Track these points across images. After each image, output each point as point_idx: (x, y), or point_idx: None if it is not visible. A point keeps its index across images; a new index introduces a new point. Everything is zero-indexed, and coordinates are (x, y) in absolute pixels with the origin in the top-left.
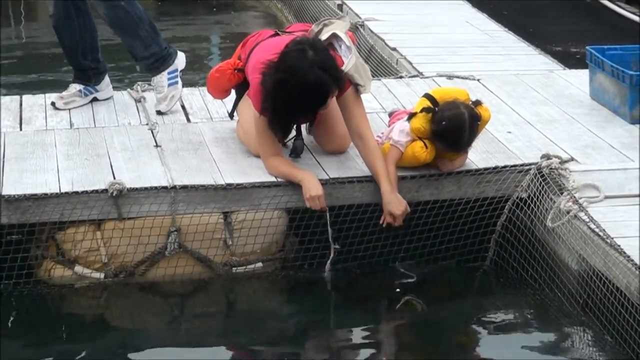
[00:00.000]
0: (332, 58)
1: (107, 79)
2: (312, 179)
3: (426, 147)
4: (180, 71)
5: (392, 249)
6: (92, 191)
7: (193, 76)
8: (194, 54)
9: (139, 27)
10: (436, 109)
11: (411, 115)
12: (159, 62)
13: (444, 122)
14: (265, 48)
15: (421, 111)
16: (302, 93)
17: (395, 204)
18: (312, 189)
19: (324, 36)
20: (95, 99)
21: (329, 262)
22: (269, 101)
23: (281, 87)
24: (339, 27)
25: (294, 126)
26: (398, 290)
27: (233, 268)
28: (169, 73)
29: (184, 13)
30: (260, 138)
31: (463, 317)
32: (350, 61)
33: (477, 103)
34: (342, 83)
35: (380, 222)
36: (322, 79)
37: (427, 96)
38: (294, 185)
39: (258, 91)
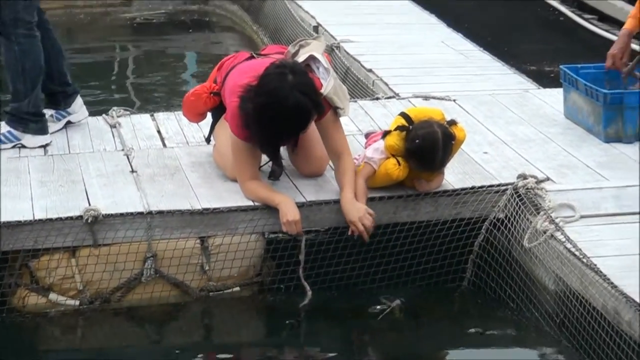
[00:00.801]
0: (312, 82)
1: (79, 100)
2: (289, 202)
3: (399, 165)
4: (19, 146)
5: (370, 271)
6: (67, 218)
7: (169, 100)
8: (169, 77)
9: (19, 78)
10: (410, 127)
11: (386, 133)
12: (14, 118)
13: (417, 141)
14: (242, 71)
15: (396, 129)
16: (283, 117)
17: (352, 211)
18: (289, 214)
19: (301, 58)
20: (69, 123)
21: (305, 303)
22: (250, 126)
23: (262, 112)
24: (315, 48)
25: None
26: (378, 307)
27: (210, 293)
28: (8, 132)
29: (158, 34)
30: (237, 161)
31: (441, 338)
32: (329, 84)
33: (452, 122)
34: (322, 108)
35: (349, 233)
36: (303, 103)
37: (403, 115)
38: (270, 209)
39: (235, 114)
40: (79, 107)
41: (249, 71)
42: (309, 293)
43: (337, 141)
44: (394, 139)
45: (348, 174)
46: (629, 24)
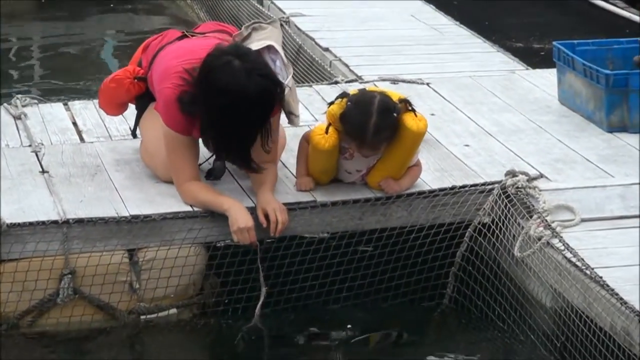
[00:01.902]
0: (264, 62)
1: None
2: (239, 207)
3: (326, 132)
4: None
5: (332, 288)
6: None
7: (86, 86)
8: (85, 61)
9: None
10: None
11: (330, 103)
12: None
13: (349, 103)
14: (175, 53)
15: (337, 97)
16: (246, 111)
17: (270, 202)
18: (240, 220)
19: (254, 45)
20: None
21: (258, 305)
22: (215, 130)
23: (222, 114)
24: (273, 37)
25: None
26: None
27: (141, 316)
28: None
29: (72, 12)
30: (173, 159)
31: None
32: (289, 82)
33: (405, 103)
34: (283, 88)
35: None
36: (263, 86)
37: (359, 89)
38: (215, 216)
39: (170, 103)
40: None
41: (184, 53)
42: (264, 290)
43: (273, 152)
44: (335, 107)
45: (269, 179)
46: None
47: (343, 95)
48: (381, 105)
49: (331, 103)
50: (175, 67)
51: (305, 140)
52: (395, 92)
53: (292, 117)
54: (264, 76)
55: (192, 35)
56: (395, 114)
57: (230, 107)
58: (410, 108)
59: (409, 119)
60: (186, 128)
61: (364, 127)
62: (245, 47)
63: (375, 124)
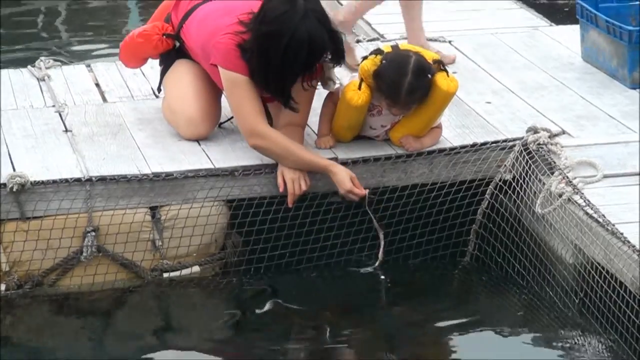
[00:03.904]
0: (326, 12)
1: None
2: (342, 168)
3: (359, 88)
4: None
5: (354, 247)
6: None
7: (108, 47)
8: (106, 18)
9: None
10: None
11: (364, 58)
12: None
13: (384, 61)
14: (223, 11)
15: (371, 53)
16: (296, 46)
17: (289, 171)
18: (347, 181)
19: None
20: None
21: (381, 251)
22: (254, 62)
23: (270, 42)
24: (327, 8)
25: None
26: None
27: (164, 273)
28: None
29: None
30: (244, 104)
31: (440, 323)
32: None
33: (440, 65)
34: (338, 44)
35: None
36: (318, 31)
37: (394, 45)
38: (233, 173)
39: (229, 50)
40: None
41: (230, 11)
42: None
43: (304, 114)
44: (368, 63)
45: (296, 141)
46: None
47: (377, 52)
48: (416, 65)
49: (364, 58)
50: (226, 23)
51: (331, 100)
52: (429, 52)
53: (329, 83)
54: (320, 22)
55: None
56: (429, 75)
57: (277, 37)
58: (442, 68)
59: (440, 79)
60: (249, 73)
61: (398, 86)
62: None
63: (409, 83)
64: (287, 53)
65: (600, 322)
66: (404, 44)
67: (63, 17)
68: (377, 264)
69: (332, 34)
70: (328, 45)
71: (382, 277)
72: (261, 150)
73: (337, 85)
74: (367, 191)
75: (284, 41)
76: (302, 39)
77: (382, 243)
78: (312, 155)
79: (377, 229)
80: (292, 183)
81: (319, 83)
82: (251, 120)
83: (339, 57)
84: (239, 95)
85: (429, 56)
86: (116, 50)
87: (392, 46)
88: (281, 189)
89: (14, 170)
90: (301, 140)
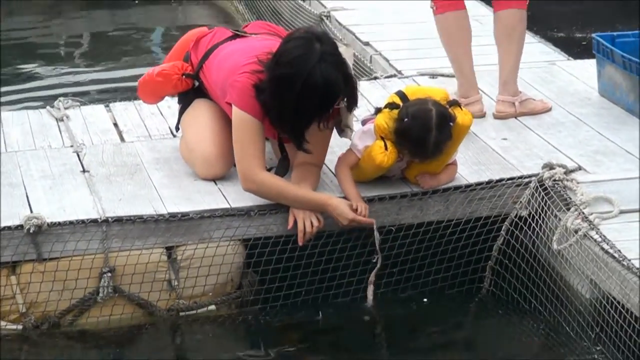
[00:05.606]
0: (342, 56)
1: None
2: (339, 201)
3: (386, 149)
4: None
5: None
6: (4, 228)
7: (127, 88)
8: (126, 57)
9: None
10: (402, 105)
11: (377, 112)
12: None
13: (406, 119)
14: (243, 51)
15: (386, 107)
16: (310, 90)
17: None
18: (347, 212)
19: None
20: None
21: (374, 272)
22: (269, 103)
23: (283, 84)
24: (346, 58)
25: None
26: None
27: (180, 313)
28: None
29: (111, 6)
30: (246, 146)
31: (457, 357)
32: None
33: (454, 103)
34: (352, 90)
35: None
36: (333, 75)
37: (399, 93)
38: (249, 213)
39: (245, 89)
40: None
41: (249, 51)
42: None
43: (320, 155)
44: (384, 118)
45: (310, 181)
46: None
47: (392, 106)
48: (439, 118)
49: (378, 111)
50: (245, 62)
51: (345, 164)
52: (438, 90)
53: (346, 130)
54: (335, 66)
55: (243, 34)
56: (451, 123)
57: (291, 80)
58: (456, 103)
59: (457, 115)
60: (261, 115)
61: (424, 144)
62: (329, 35)
63: (435, 137)
64: (301, 96)
65: (616, 356)
66: (408, 88)
67: (82, 52)
68: (369, 291)
69: (347, 79)
70: (343, 90)
71: (398, 312)
72: (255, 194)
73: (352, 133)
74: (374, 220)
75: (298, 84)
76: (316, 83)
77: (378, 265)
78: (308, 193)
79: (376, 251)
80: (303, 222)
81: (335, 130)
82: (247, 164)
83: (354, 102)
84: (242, 136)
85: (440, 97)
86: (132, 89)
87: (399, 95)
88: (289, 227)
89: (31, 211)
90: (316, 179)
